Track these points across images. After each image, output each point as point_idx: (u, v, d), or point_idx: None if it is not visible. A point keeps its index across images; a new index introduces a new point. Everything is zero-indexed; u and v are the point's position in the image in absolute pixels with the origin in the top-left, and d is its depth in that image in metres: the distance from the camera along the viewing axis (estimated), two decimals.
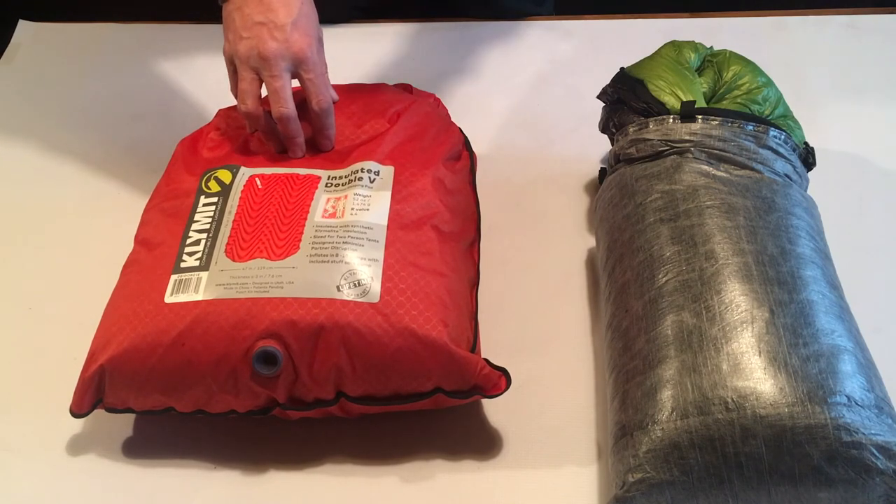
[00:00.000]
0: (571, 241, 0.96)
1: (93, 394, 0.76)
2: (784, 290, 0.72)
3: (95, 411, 0.77)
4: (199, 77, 1.18)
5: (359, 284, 0.75)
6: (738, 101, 0.88)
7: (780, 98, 0.91)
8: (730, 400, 0.67)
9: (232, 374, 0.74)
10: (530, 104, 1.13)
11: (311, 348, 0.73)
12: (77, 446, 0.81)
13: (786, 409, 0.66)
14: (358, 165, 0.85)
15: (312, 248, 0.77)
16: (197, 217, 0.82)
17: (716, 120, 0.84)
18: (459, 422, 0.81)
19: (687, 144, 0.84)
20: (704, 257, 0.75)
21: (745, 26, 1.24)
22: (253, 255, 0.77)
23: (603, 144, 1.02)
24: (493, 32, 1.24)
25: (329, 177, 0.85)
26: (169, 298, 0.76)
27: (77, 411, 0.76)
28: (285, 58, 0.86)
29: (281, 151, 0.89)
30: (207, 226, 0.81)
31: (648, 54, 0.95)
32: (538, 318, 0.89)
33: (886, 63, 1.16)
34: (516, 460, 0.78)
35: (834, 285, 0.76)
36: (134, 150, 1.10)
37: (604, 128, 0.96)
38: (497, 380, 0.75)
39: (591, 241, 0.95)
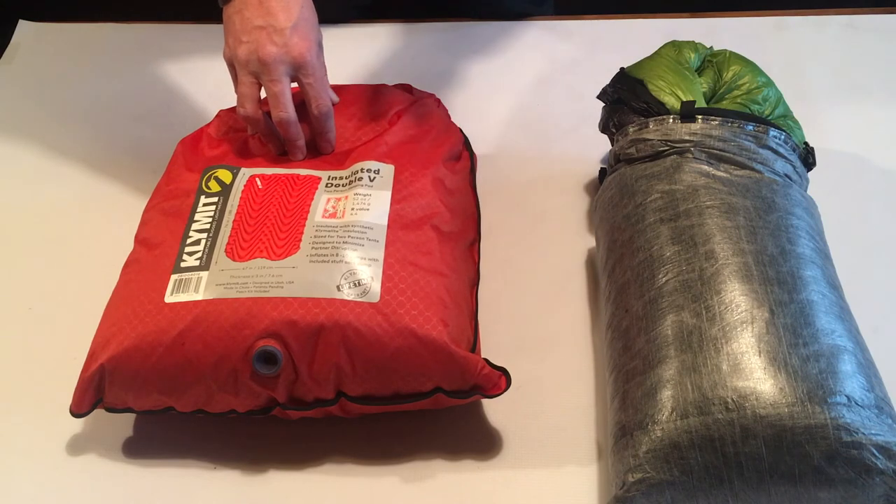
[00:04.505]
0: (571, 241, 0.96)
1: (93, 393, 0.76)
2: (784, 290, 0.72)
3: (95, 411, 0.77)
4: (200, 78, 1.18)
5: (359, 284, 0.75)
6: (738, 101, 0.89)
7: (780, 98, 0.91)
8: (730, 400, 0.67)
9: (232, 373, 0.74)
10: (530, 104, 1.13)
11: (311, 348, 0.73)
12: (77, 446, 0.81)
13: (786, 409, 0.66)
14: (358, 166, 0.85)
15: (313, 247, 0.77)
16: (197, 217, 0.82)
17: (716, 120, 0.84)
18: (459, 422, 0.81)
19: (687, 144, 0.84)
20: (704, 257, 0.75)
21: (745, 26, 1.24)
22: (253, 255, 0.77)
23: (603, 144, 1.02)
24: (493, 32, 1.24)
25: (329, 177, 0.85)
26: (169, 298, 0.76)
27: (77, 411, 0.76)
28: (284, 62, 0.86)
29: (281, 154, 0.89)
30: (207, 225, 0.81)
31: (648, 54, 0.95)
32: (538, 318, 0.89)
33: (886, 63, 1.16)
34: (516, 460, 0.78)
35: (834, 285, 0.76)
36: (134, 150, 1.10)
37: (604, 128, 0.96)
38: (497, 380, 0.75)
39: (591, 241, 0.95)
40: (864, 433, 0.65)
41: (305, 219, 0.80)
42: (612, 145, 0.92)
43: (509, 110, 1.13)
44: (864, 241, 0.94)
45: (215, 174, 0.86)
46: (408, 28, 1.26)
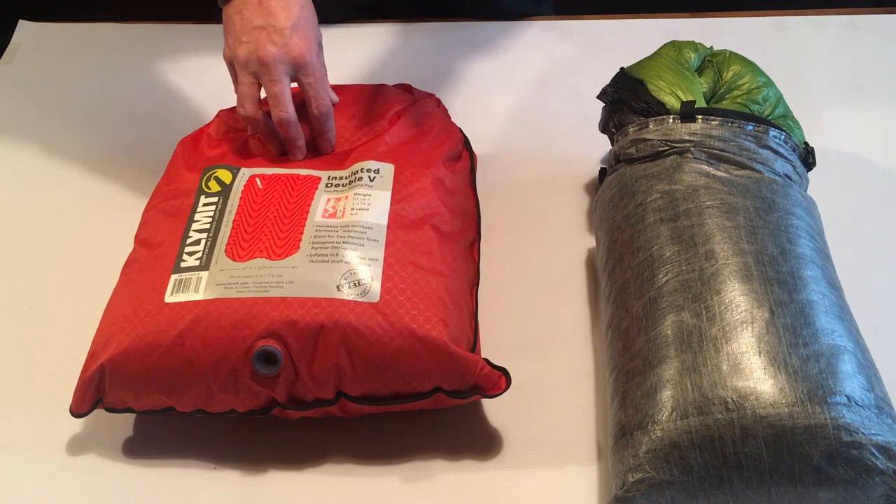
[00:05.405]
0: (571, 241, 0.96)
1: (93, 393, 0.76)
2: (784, 290, 0.72)
3: (95, 411, 0.77)
4: (199, 78, 1.18)
5: (359, 284, 0.75)
6: (738, 101, 0.89)
7: (780, 98, 0.91)
8: (730, 400, 0.67)
9: (232, 373, 0.74)
10: (530, 104, 1.13)
11: (311, 348, 0.73)
12: (77, 446, 0.81)
13: (786, 409, 0.66)
14: (358, 166, 0.85)
15: (312, 247, 0.77)
16: (197, 217, 0.82)
17: (716, 120, 0.84)
18: (459, 422, 0.81)
19: (687, 144, 0.84)
20: (704, 257, 0.75)
21: (745, 26, 1.24)
22: (253, 255, 0.77)
23: (603, 144, 1.02)
24: (493, 32, 1.24)
25: (329, 177, 0.85)
26: (169, 298, 0.76)
27: (77, 411, 0.76)
28: (284, 62, 0.86)
29: (281, 153, 0.89)
30: (207, 225, 0.81)
31: (648, 54, 0.95)
32: (538, 318, 0.89)
33: (886, 63, 1.16)
34: (516, 460, 0.78)
35: (834, 285, 0.76)
36: (134, 150, 1.10)
37: (604, 128, 0.96)
38: (497, 380, 0.75)
39: (591, 241, 0.95)
40: (864, 433, 0.65)
41: (305, 219, 0.80)
42: (612, 145, 0.92)
43: (509, 110, 1.13)
44: (864, 241, 0.94)
45: (215, 174, 0.86)
46: (408, 28, 1.26)
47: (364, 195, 0.82)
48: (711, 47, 0.96)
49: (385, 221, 0.80)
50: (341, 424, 0.80)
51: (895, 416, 0.68)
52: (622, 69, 0.96)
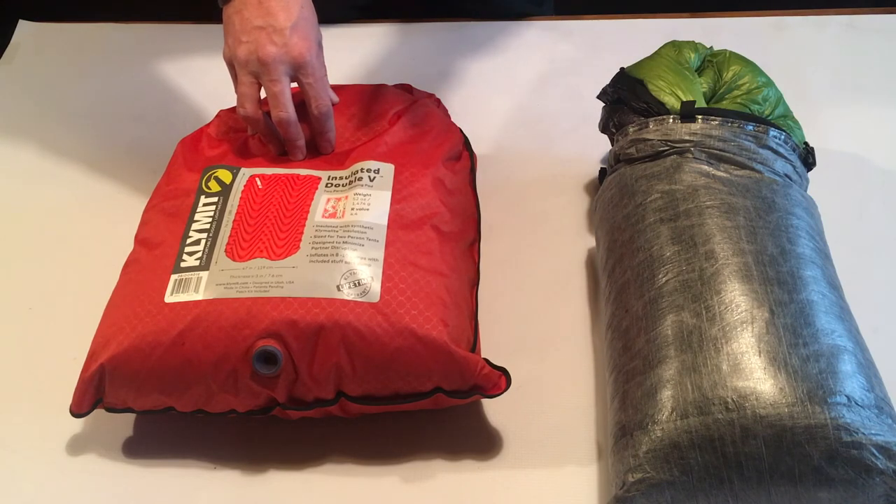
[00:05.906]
0: (571, 241, 0.96)
1: (93, 393, 0.76)
2: (784, 290, 0.72)
3: (95, 411, 0.77)
4: (199, 78, 1.18)
5: (359, 284, 0.75)
6: (738, 101, 0.89)
7: (780, 98, 0.91)
8: (730, 400, 0.67)
9: (232, 373, 0.74)
10: (530, 104, 1.13)
11: (311, 348, 0.73)
12: (77, 446, 0.81)
13: (786, 409, 0.66)
14: (358, 166, 0.85)
15: (312, 247, 0.78)
16: (197, 217, 0.82)
17: (716, 120, 0.84)
18: (459, 422, 0.81)
19: (687, 144, 0.84)
20: (704, 257, 0.75)
21: (745, 26, 1.24)
22: (253, 255, 0.77)
23: (603, 144, 1.02)
24: (493, 32, 1.24)
25: (329, 177, 0.85)
26: (169, 298, 0.76)
27: (77, 411, 0.76)
28: (284, 62, 0.86)
29: (281, 154, 0.89)
30: (207, 225, 0.81)
31: (648, 54, 0.96)
32: (538, 318, 0.89)
33: (886, 63, 1.16)
34: (516, 460, 0.78)
35: (834, 285, 0.76)
36: (134, 150, 1.10)
37: (604, 128, 0.96)
38: (497, 380, 0.75)
39: (591, 241, 0.95)
40: (864, 433, 0.65)
41: (305, 219, 0.80)
42: (612, 145, 0.92)
43: (509, 110, 1.13)
44: (864, 241, 0.94)
45: (215, 174, 0.86)
46: (408, 28, 1.26)
47: (364, 195, 0.82)
48: (711, 47, 0.96)
49: (385, 221, 0.80)
50: (341, 424, 0.80)
51: (895, 416, 0.68)
52: (622, 69, 0.96)
